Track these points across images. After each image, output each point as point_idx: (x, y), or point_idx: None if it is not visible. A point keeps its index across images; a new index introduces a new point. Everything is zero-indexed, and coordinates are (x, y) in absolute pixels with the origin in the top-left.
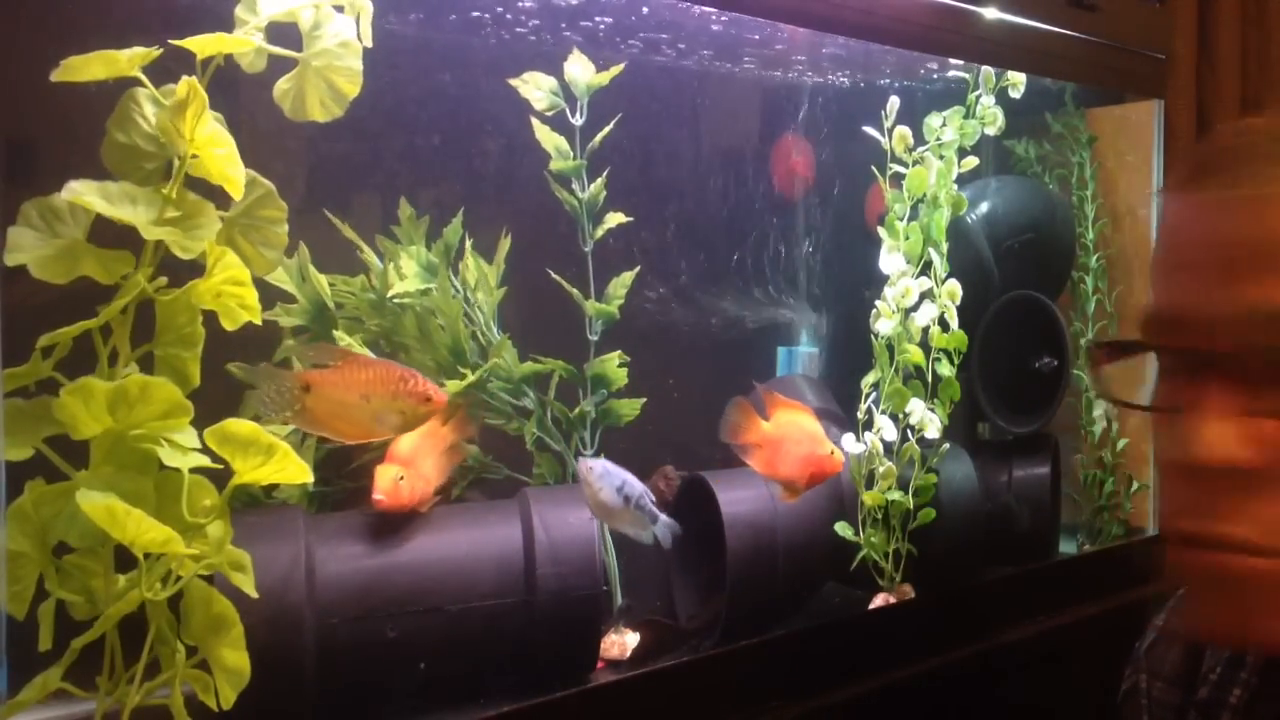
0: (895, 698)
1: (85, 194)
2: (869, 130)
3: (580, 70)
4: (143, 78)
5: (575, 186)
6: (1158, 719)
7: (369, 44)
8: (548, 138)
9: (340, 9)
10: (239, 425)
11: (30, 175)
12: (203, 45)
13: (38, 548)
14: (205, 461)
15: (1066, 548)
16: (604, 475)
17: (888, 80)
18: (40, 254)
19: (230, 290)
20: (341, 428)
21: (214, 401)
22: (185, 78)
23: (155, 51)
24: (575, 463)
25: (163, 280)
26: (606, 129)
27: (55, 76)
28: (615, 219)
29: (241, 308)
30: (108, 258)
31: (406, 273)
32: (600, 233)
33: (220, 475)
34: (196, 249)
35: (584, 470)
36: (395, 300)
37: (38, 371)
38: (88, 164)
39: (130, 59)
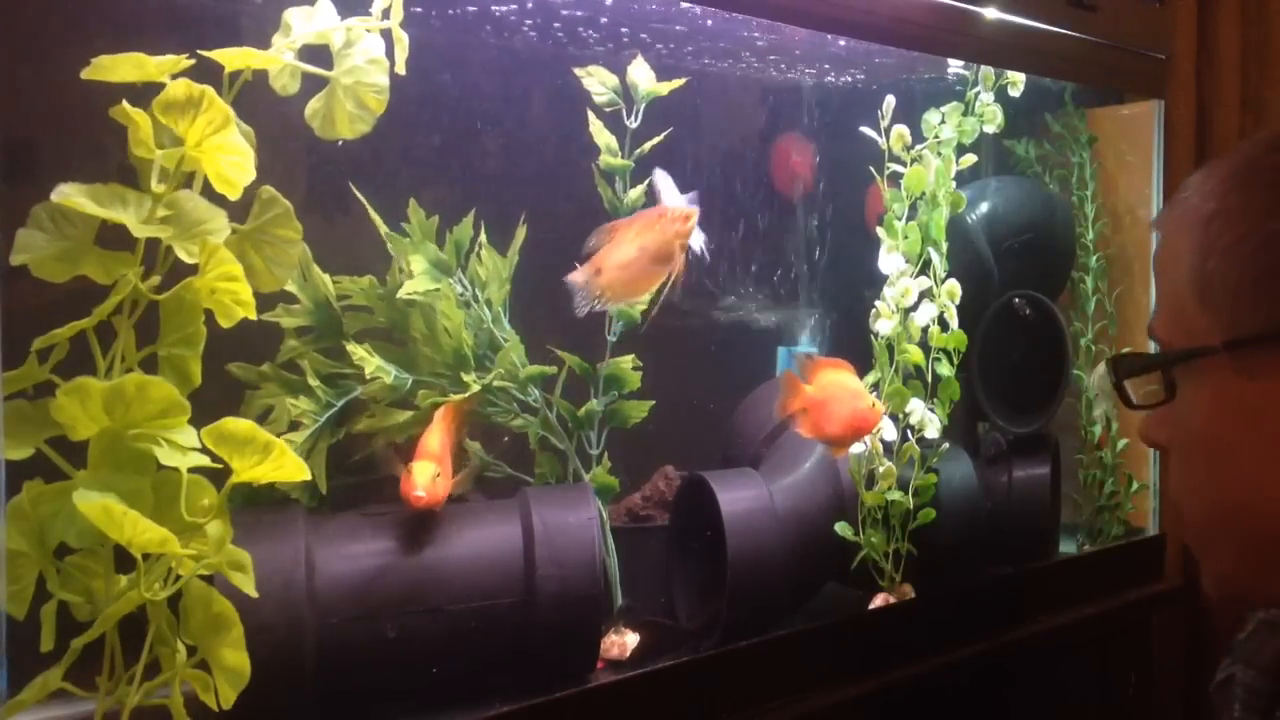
0: (895, 698)
1: (73, 195)
2: (866, 130)
3: (641, 75)
4: (168, 83)
5: (619, 186)
6: (1249, 706)
7: (402, 72)
8: (600, 134)
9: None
10: (236, 424)
11: (34, 175)
12: (230, 59)
13: (36, 547)
14: (204, 461)
15: (1066, 548)
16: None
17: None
18: (41, 254)
19: (224, 286)
20: (641, 283)
21: (213, 402)
22: (181, 80)
23: (186, 61)
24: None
25: (155, 279)
26: (658, 138)
27: (86, 74)
28: None
29: (236, 303)
30: (108, 258)
31: (415, 270)
32: None
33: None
34: (198, 250)
35: (658, 177)
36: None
37: (34, 375)
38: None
39: (160, 65)
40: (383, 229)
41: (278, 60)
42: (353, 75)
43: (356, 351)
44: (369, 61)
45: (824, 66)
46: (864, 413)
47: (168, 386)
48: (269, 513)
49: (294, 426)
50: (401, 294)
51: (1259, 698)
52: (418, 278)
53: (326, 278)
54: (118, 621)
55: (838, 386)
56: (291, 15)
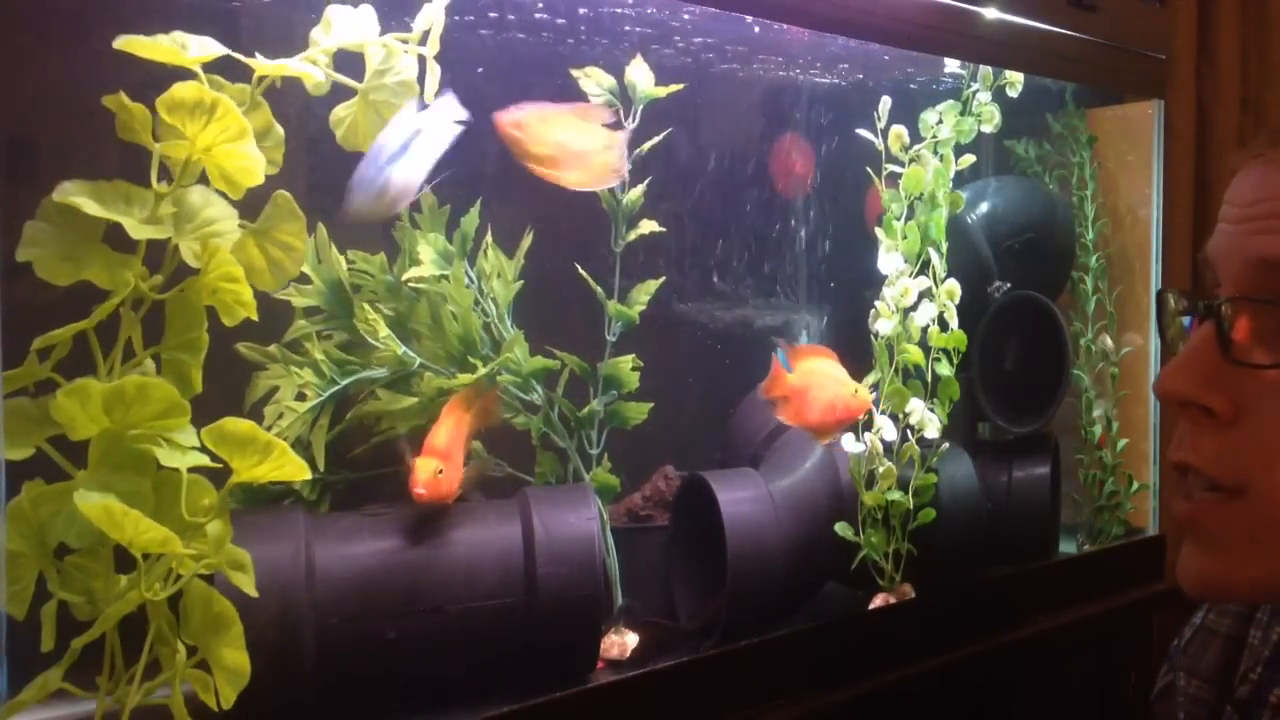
0: (895, 698)
1: (74, 194)
2: (862, 133)
3: (640, 76)
4: (201, 74)
5: (615, 187)
6: (1194, 717)
7: (430, 101)
8: None
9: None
10: (236, 424)
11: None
12: (264, 67)
13: (36, 547)
14: (204, 461)
15: (1066, 548)
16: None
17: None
18: (47, 253)
19: (226, 287)
20: None
21: (213, 401)
22: (190, 83)
23: (218, 53)
24: None
25: (158, 279)
26: (656, 139)
27: (117, 45)
28: (648, 226)
29: (237, 303)
30: (113, 260)
31: (423, 258)
32: (632, 235)
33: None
34: (205, 250)
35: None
36: (411, 285)
37: (34, 373)
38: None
39: (194, 56)
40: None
41: (311, 76)
42: (381, 93)
43: (366, 314)
44: (399, 83)
45: (828, 66)
46: (846, 399)
47: (168, 387)
48: (269, 512)
49: (299, 398)
50: (408, 276)
51: (1203, 708)
52: (425, 264)
53: (341, 260)
54: (118, 621)
55: (819, 374)
56: (334, 14)
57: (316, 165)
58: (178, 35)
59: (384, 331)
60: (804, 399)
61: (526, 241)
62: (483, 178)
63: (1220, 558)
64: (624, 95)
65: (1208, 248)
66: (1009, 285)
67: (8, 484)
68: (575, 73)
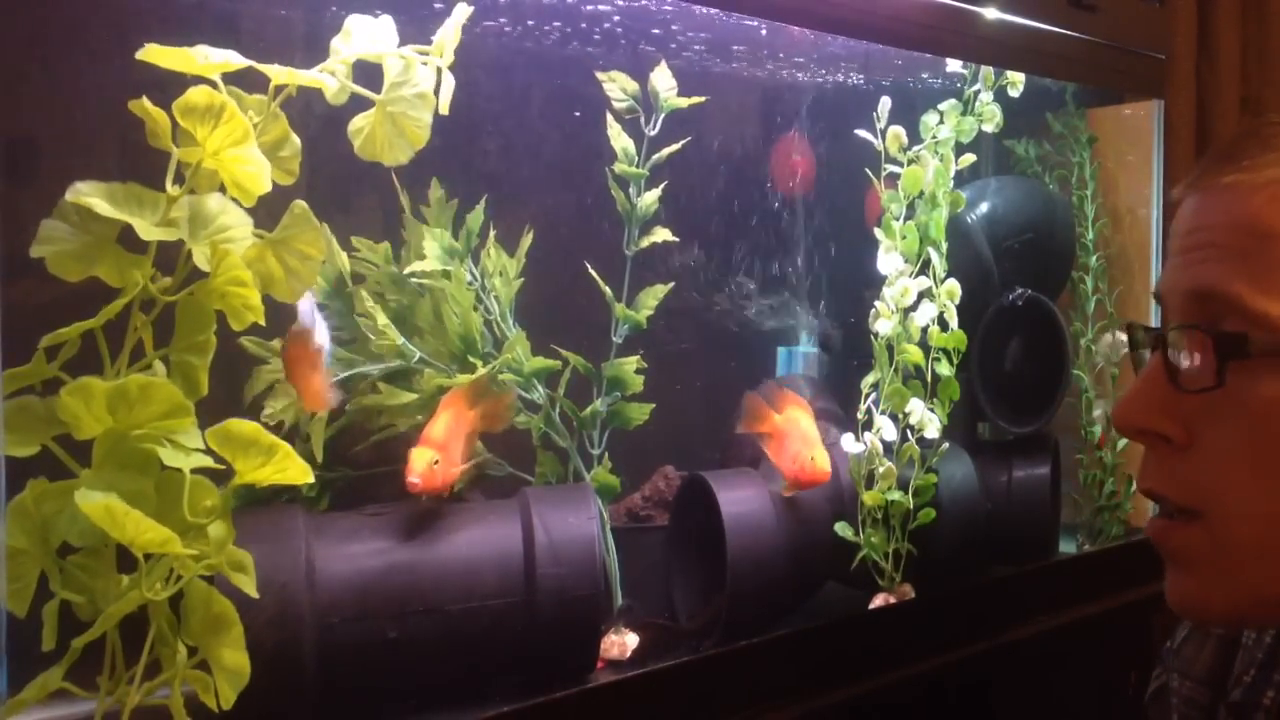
0: (895, 698)
1: (87, 194)
2: (861, 133)
3: (663, 83)
4: (219, 83)
5: (631, 192)
6: (1188, 719)
7: (445, 112)
8: (618, 138)
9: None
10: (240, 425)
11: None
12: (278, 75)
13: (38, 545)
14: (207, 461)
15: (1066, 548)
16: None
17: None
18: (59, 251)
19: (234, 291)
20: None
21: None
22: (201, 87)
23: (238, 63)
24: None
25: (166, 281)
26: (675, 146)
27: (139, 56)
28: (662, 234)
29: (245, 308)
30: (124, 260)
31: (428, 252)
32: (646, 242)
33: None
34: (214, 255)
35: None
36: (414, 280)
37: (40, 372)
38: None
39: (209, 64)
40: (406, 206)
41: (322, 83)
42: (399, 105)
43: (365, 301)
44: (417, 95)
45: (828, 66)
46: (804, 461)
47: (171, 387)
48: (269, 512)
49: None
50: (411, 269)
51: (1198, 710)
52: (430, 259)
53: (344, 255)
54: (118, 621)
55: (795, 426)
56: (354, 24)
57: (317, 166)
58: (189, 50)
59: (383, 320)
60: (782, 444)
61: (528, 240)
62: (488, 177)
63: (1193, 579)
64: (646, 102)
65: (1159, 282)
66: (1028, 292)
67: (12, 482)
68: (600, 76)
